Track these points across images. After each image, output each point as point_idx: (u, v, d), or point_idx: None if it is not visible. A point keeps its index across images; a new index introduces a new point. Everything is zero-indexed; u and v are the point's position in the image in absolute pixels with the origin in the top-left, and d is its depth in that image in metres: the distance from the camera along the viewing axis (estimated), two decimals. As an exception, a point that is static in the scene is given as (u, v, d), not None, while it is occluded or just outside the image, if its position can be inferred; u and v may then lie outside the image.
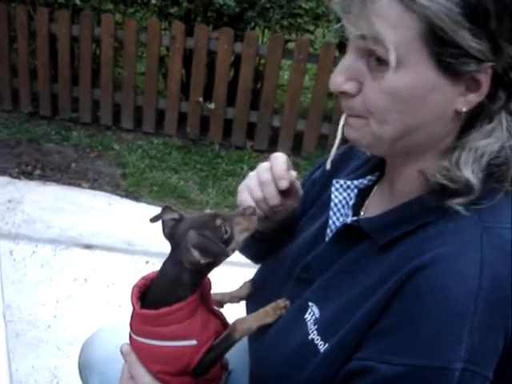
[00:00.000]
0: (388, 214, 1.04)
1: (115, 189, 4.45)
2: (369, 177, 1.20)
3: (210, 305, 1.21)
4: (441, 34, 0.88)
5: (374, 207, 1.15)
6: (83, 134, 5.19)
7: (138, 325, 1.18)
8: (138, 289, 1.20)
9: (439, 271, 0.91)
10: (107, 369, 1.40)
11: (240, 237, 1.16)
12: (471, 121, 0.97)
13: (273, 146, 5.01)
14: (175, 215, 1.19)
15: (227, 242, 1.14)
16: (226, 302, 1.31)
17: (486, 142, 0.95)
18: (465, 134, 0.97)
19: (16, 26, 5.07)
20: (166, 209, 1.19)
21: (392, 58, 0.90)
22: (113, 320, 1.65)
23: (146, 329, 1.15)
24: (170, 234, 1.17)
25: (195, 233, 1.11)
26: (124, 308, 2.82)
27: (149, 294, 1.19)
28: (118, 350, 1.28)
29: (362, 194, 1.19)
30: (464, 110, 0.94)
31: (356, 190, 1.19)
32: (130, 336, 1.20)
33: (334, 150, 1.14)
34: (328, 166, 1.18)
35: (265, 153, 5.05)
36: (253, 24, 5.14)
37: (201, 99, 5.01)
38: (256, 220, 1.17)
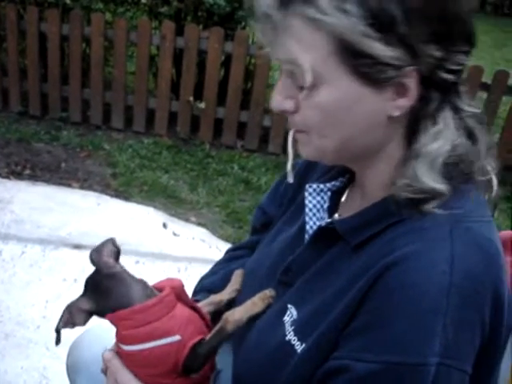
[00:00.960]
0: (359, 215, 1.05)
1: (105, 188, 4.44)
2: (340, 178, 1.21)
3: (188, 302, 1.20)
4: (352, 48, 0.90)
5: (347, 208, 1.16)
6: (73, 134, 5.17)
7: (118, 333, 1.16)
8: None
9: (409, 268, 0.91)
10: (95, 370, 1.39)
11: None
12: (413, 124, 0.99)
13: (263, 146, 5.01)
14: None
15: None
16: (227, 299, 1.31)
17: (436, 145, 0.97)
18: (413, 140, 0.99)
19: (6, 24, 5.05)
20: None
21: (308, 79, 0.94)
22: (102, 320, 1.65)
23: (126, 334, 1.13)
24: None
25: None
26: (114, 308, 2.81)
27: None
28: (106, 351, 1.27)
29: (336, 196, 1.21)
30: (396, 114, 0.96)
31: (329, 193, 1.21)
32: (118, 346, 1.19)
33: (289, 165, 1.18)
34: (290, 180, 1.20)
35: (255, 152, 5.05)
36: (243, 23, 5.13)
37: (191, 99, 5.01)
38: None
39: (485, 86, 4.82)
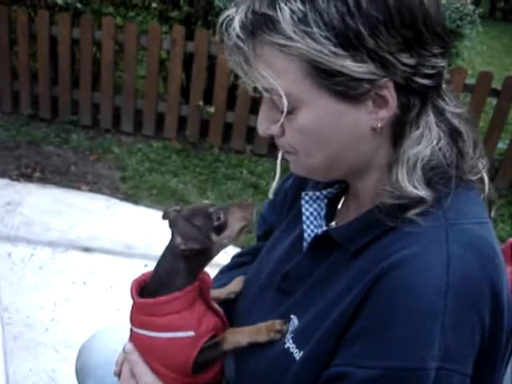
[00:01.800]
0: (355, 222, 1.05)
1: (114, 192, 4.45)
2: (336, 185, 1.22)
3: (208, 301, 1.22)
4: (324, 68, 0.91)
5: (344, 215, 1.17)
6: (83, 137, 5.19)
7: (137, 316, 1.19)
8: (137, 283, 1.22)
9: (406, 272, 0.92)
10: (104, 373, 1.40)
11: (236, 225, 1.17)
12: (398, 132, 0.99)
13: (272, 150, 5.01)
14: (177, 208, 1.21)
15: (219, 228, 1.15)
16: (223, 298, 1.32)
17: (416, 149, 0.97)
18: (398, 146, 0.99)
19: (17, 28, 5.07)
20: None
21: (286, 104, 0.95)
22: (111, 323, 1.65)
23: (145, 319, 1.17)
24: (170, 223, 1.19)
25: (182, 219, 1.14)
26: (122, 311, 2.82)
27: (147, 285, 1.21)
28: (116, 353, 1.28)
29: (333, 203, 1.21)
30: (379, 125, 0.97)
31: (326, 200, 1.21)
32: (131, 331, 1.21)
33: (274, 183, 1.21)
34: (270, 195, 1.21)
35: (264, 157, 5.05)
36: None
37: (201, 103, 5.01)
38: (253, 211, 1.19)
39: (494, 92, 4.81)
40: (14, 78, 5.32)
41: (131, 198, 4.39)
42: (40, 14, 5.00)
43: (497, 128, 4.90)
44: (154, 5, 5.04)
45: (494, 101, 4.96)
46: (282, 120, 0.98)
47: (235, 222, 1.16)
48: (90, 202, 4.24)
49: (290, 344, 1.07)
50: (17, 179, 4.43)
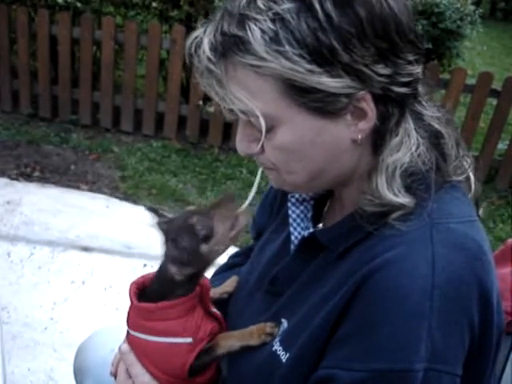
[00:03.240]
0: (340, 224, 1.05)
1: (114, 191, 4.45)
2: None
3: (207, 306, 1.22)
4: (299, 86, 0.90)
5: (330, 217, 1.17)
6: (83, 136, 5.19)
7: (135, 319, 1.19)
8: (136, 285, 1.22)
9: (391, 273, 0.91)
10: (102, 373, 1.40)
11: (223, 227, 1.13)
12: (378, 141, 0.98)
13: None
14: (167, 219, 1.19)
15: (207, 237, 1.12)
16: (216, 298, 1.32)
17: (395, 156, 0.97)
18: (377, 154, 0.99)
19: (17, 27, 5.07)
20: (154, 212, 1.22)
21: (262, 125, 0.94)
22: (109, 323, 1.65)
23: (144, 324, 1.17)
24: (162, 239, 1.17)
25: (171, 244, 1.13)
26: (121, 311, 2.81)
27: (147, 291, 1.20)
28: (114, 353, 1.28)
29: (319, 205, 1.21)
30: (359, 137, 0.96)
31: (312, 202, 1.20)
32: (128, 333, 1.21)
33: (250, 196, 1.18)
34: (245, 203, 1.17)
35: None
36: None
37: (200, 102, 5.01)
38: (235, 206, 1.16)
39: (495, 93, 4.81)
40: (14, 77, 5.32)
41: (131, 197, 4.38)
42: (40, 13, 5.00)
43: (497, 129, 4.89)
44: (154, 4, 5.04)
45: (494, 101, 4.95)
46: (261, 140, 0.97)
47: (221, 225, 1.13)
48: (89, 202, 4.24)
49: (277, 346, 1.06)
50: (16, 178, 4.43)
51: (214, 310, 1.24)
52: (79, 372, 1.54)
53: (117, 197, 4.38)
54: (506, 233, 4.24)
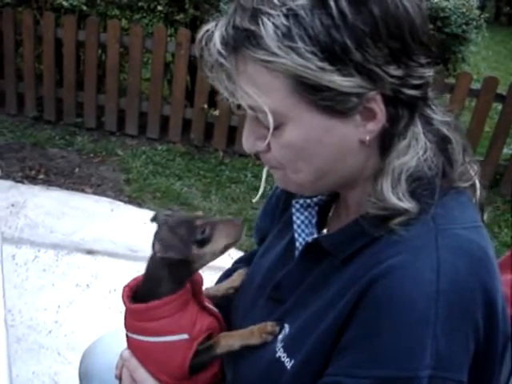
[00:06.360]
0: (344, 230, 1.04)
1: (118, 194, 4.45)
2: (326, 192, 1.20)
3: (201, 301, 1.22)
4: (310, 84, 0.89)
5: (335, 222, 1.16)
6: (87, 139, 5.19)
7: (130, 322, 1.19)
8: (128, 288, 1.22)
9: (396, 279, 0.90)
10: (108, 377, 1.39)
11: (220, 241, 1.14)
12: (386, 143, 0.98)
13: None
14: (169, 213, 1.21)
15: (202, 242, 1.13)
16: (221, 295, 1.31)
17: (402, 160, 0.96)
18: (384, 157, 0.98)
19: (22, 30, 5.08)
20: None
21: (271, 121, 0.93)
22: (114, 326, 1.65)
23: (137, 325, 1.17)
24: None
25: (165, 227, 1.13)
26: (125, 314, 2.81)
27: (138, 292, 1.20)
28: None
29: (324, 210, 1.20)
30: (367, 138, 0.95)
31: (316, 208, 1.20)
32: (127, 336, 1.21)
33: (257, 197, 1.20)
34: (255, 200, 1.18)
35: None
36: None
37: (205, 106, 5.02)
38: (240, 231, 1.17)
39: (500, 97, 4.80)
40: (19, 79, 5.33)
41: (135, 200, 4.39)
42: (46, 16, 5.01)
43: (502, 133, 4.89)
44: (159, 7, 5.04)
45: (499, 106, 4.95)
46: (268, 137, 0.96)
47: (220, 239, 1.14)
48: (94, 205, 4.24)
49: (280, 353, 1.05)
50: (21, 181, 4.43)
51: (210, 306, 1.24)
52: (85, 376, 1.54)
53: (121, 200, 4.38)
54: (511, 238, 4.23)
